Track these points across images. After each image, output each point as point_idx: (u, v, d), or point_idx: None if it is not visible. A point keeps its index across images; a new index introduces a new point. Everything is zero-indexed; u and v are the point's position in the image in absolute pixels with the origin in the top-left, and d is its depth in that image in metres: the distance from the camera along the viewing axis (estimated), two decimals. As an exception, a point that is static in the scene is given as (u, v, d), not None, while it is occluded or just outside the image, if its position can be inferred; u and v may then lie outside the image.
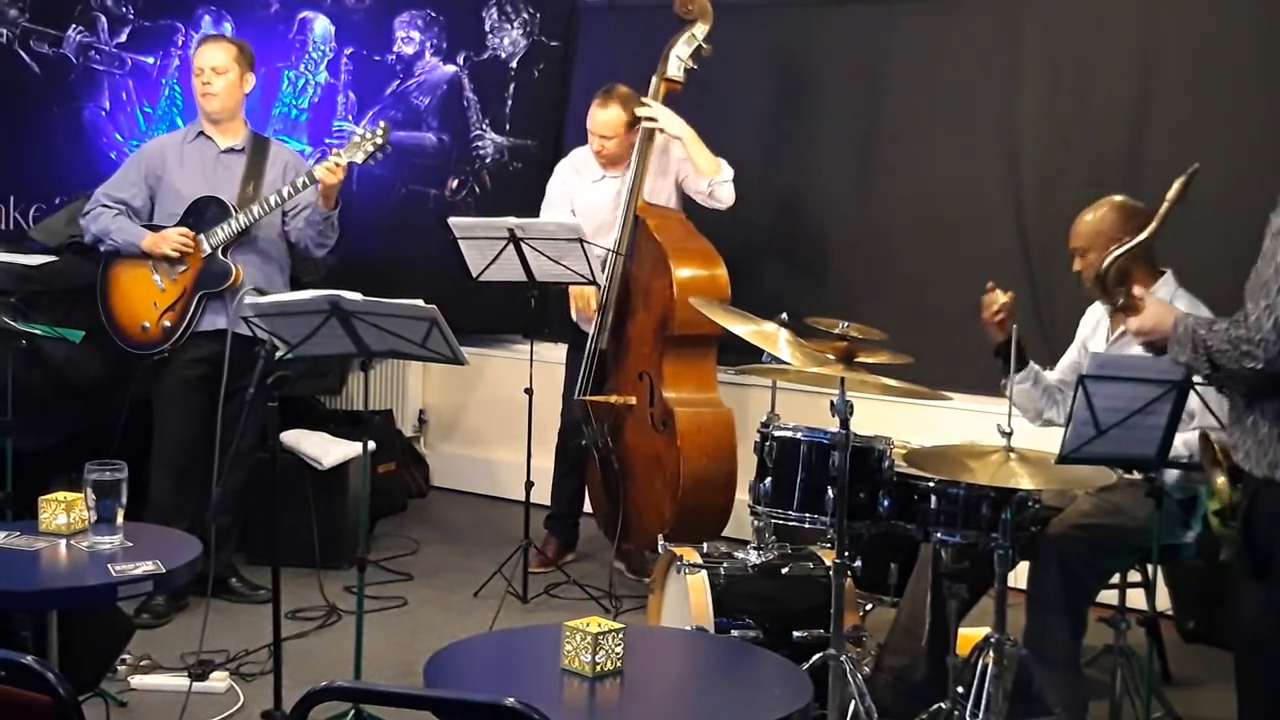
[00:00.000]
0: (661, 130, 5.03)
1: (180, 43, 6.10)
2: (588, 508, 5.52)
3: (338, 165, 4.59)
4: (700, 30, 5.08)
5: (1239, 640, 2.82)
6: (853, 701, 3.47)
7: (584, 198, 5.22)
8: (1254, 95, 4.77)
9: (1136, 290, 2.95)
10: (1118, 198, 3.91)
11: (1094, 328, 4.06)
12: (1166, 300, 3.50)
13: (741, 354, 4.23)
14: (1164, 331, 2.80)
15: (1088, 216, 3.90)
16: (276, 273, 4.81)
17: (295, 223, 4.79)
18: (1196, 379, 3.05)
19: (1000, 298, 3.90)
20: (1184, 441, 3.51)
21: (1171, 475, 3.62)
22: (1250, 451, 2.65)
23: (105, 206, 4.75)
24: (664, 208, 5.18)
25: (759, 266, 5.67)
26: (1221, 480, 2.86)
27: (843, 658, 3.46)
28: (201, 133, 4.82)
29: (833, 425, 3.57)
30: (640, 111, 5.02)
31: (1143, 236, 3.06)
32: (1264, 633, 2.65)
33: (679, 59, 5.09)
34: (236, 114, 4.83)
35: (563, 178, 5.30)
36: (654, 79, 5.09)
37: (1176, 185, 2.88)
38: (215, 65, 4.72)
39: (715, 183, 5.05)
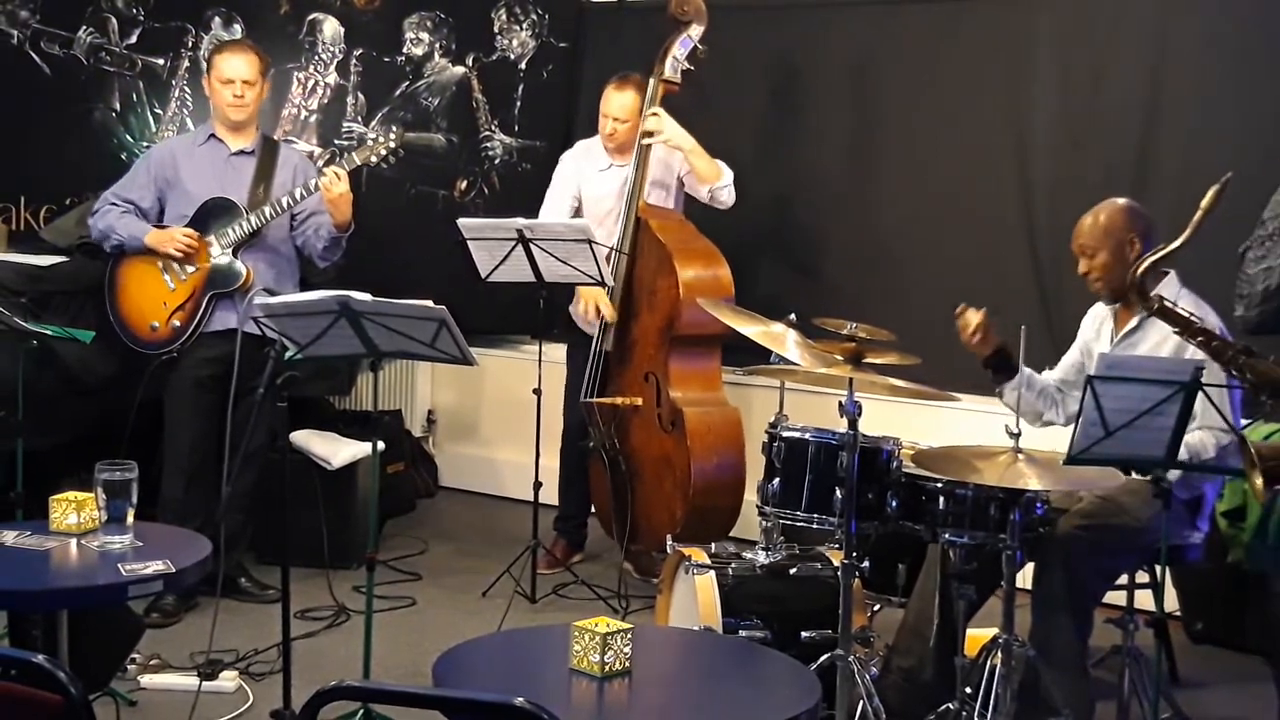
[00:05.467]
0: (665, 143, 5.05)
1: (190, 44, 6.11)
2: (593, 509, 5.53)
3: (337, 175, 4.60)
4: (695, 31, 5.10)
5: (1274, 635, 2.82)
6: (860, 702, 3.48)
7: (591, 186, 5.23)
8: (1265, 97, 4.76)
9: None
10: (1120, 200, 3.92)
11: (1097, 329, 4.05)
12: (1171, 300, 3.50)
13: (748, 354, 4.23)
14: None
15: (1090, 220, 3.90)
16: (286, 273, 4.83)
17: (305, 229, 4.81)
18: (1204, 379, 3.05)
19: (973, 318, 3.90)
20: (1184, 444, 3.51)
21: (1176, 475, 3.62)
22: None
23: (113, 205, 4.77)
24: (664, 209, 5.19)
25: (760, 267, 5.68)
26: (1259, 482, 2.85)
27: (850, 658, 3.47)
28: (213, 135, 4.84)
29: (841, 426, 3.58)
30: (645, 127, 5.03)
31: (1177, 243, 3.08)
32: None
33: (675, 60, 5.10)
34: (254, 119, 4.86)
35: (570, 167, 5.30)
36: (651, 80, 5.09)
37: (1210, 194, 2.88)
38: (246, 78, 4.73)
39: (716, 188, 5.08)
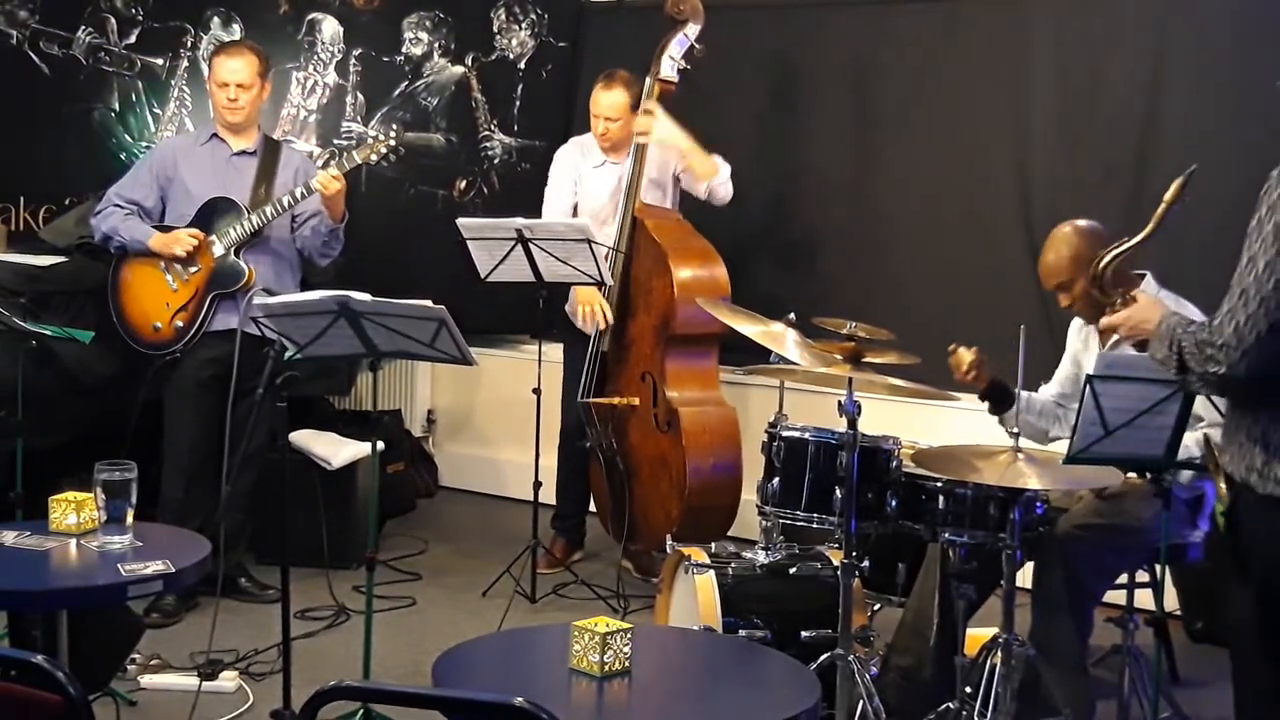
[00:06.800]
0: (657, 144, 5.04)
1: (189, 44, 6.11)
2: (594, 508, 5.53)
3: (334, 177, 4.60)
4: (692, 30, 5.09)
5: (1231, 639, 2.84)
6: (860, 701, 3.48)
7: (586, 183, 5.23)
8: (1264, 96, 4.75)
9: (1134, 293, 2.91)
10: (1068, 225, 3.90)
11: (1084, 341, 4.05)
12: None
13: (747, 354, 4.24)
14: (1150, 327, 2.75)
15: (1050, 256, 3.87)
16: (288, 273, 4.83)
17: (302, 231, 4.82)
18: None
19: (965, 356, 3.88)
20: (1195, 440, 3.51)
21: (1189, 476, 3.62)
22: (1233, 455, 2.65)
23: (117, 206, 4.77)
24: (661, 208, 5.19)
25: (759, 267, 5.68)
26: (1223, 486, 2.85)
27: (850, 658, 3.47)
28: (215, 135, 4.84)
29: (840, 425, 3.58)
30: (636, 127, 5.03)
31: (1141, 236, 3.04)
32: (1248, 633, 2.66)
33: (672, 59, 5.09)
34: (254, 120, 4.86)
35: (567, 160, 5.29)
36: (647, 80, 5.09)
37: (1174, 186, 2.86)
38: (241, 82, 4.73)
39: (713, 184, 5.08)
